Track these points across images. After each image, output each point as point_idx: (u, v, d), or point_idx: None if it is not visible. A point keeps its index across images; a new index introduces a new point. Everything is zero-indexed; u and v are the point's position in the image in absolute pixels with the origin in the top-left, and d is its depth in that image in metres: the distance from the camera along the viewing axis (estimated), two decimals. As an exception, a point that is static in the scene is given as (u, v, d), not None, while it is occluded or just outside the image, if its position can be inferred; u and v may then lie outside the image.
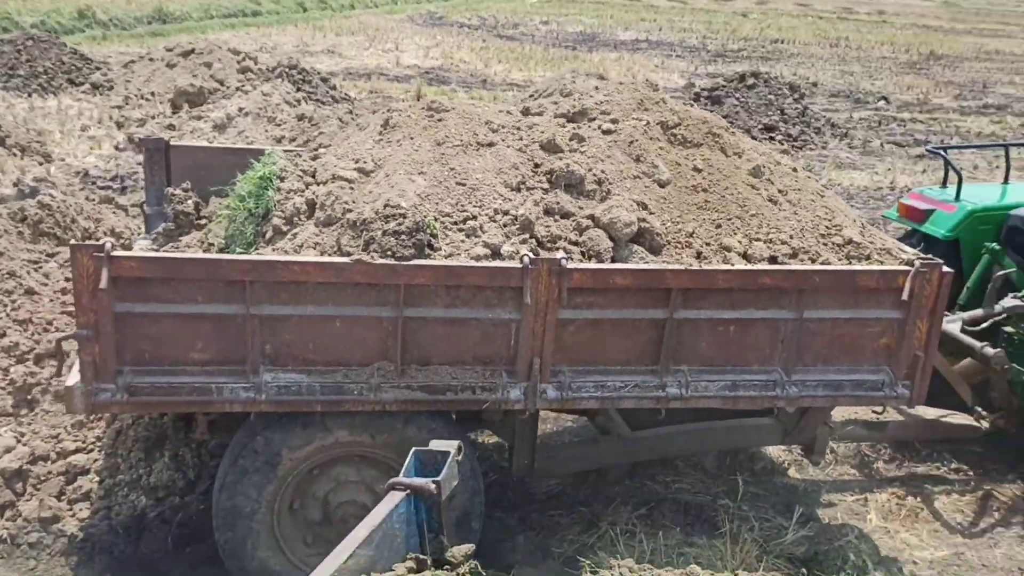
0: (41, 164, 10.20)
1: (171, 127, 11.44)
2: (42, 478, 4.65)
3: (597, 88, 4.81)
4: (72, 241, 6.08)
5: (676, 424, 4.71)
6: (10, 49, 14.94)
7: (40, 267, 5.83)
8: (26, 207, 6.51)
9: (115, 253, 3.49)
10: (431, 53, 23.18)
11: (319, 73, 15.23)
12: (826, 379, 4.19)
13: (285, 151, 4.68)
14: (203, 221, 4.77)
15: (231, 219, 4.37)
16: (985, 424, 5.62)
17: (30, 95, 13.57)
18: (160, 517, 4.50)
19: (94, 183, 9.84)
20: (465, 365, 3.87)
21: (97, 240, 5.39)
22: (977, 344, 5.42)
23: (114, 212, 7.95)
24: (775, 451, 5.69)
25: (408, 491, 2.42)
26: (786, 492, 5.33)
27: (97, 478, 4.68)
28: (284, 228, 4.09)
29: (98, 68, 15.26)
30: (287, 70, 14.43)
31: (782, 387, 4.12)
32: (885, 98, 19.84)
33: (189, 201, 4.80)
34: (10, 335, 5.18)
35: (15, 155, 10.13)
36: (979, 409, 5.64)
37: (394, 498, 2.39)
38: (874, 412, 5.31)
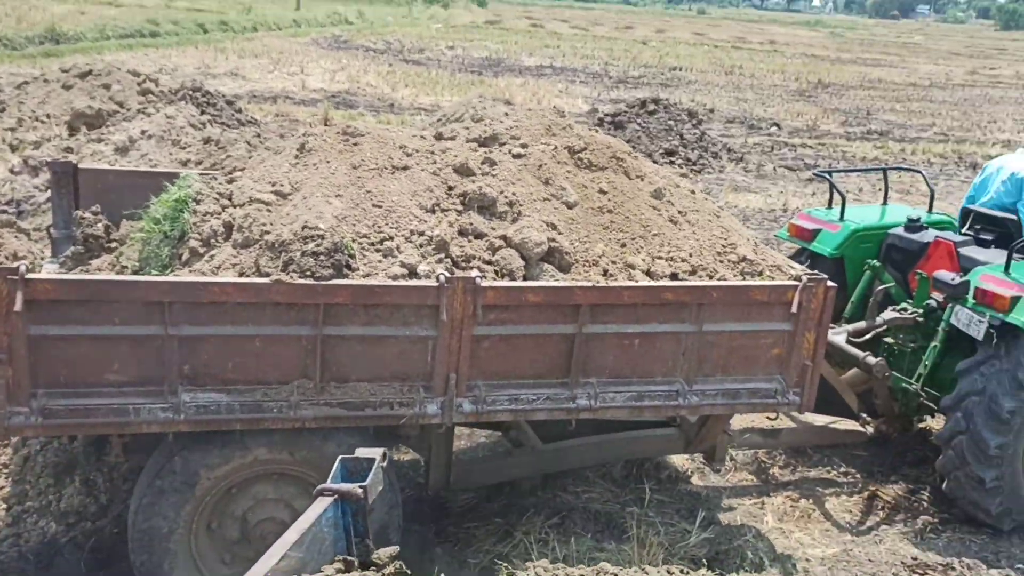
0: (-68, 188, 9.83)
1: (69, 150, 11.12)
2: (-54, 507, 4.55)
3: (507, 114, 5.02)
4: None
5: (585, 436, 4.94)
6: None
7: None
8: (-77, 232, 6.33)
9: (30, 276, 3.49)
10: (337, 77, 23.16)
11: (224, 96, 15.06)
12: (724, 388, 4.46)
13: (200, 174, 4.72)
14: (113, 244, 4.74)
15: (145, 242, 4.38)
16: (870, 429, 6.03)
17: (-85, 117, 13.03)
18: (72, 543, 4.46)
19: (-11, 207, 9.52)
20: (383, 381, 3.98)
21: (1, 264, 5.28)
22: (861, 354, 5.83)
23: (16, 236, 7.75)
24: (679, 460, 5.97)
25: (336, 496, 2.53)
26: (689, 498, 5.60)
27: (4, 505, 4.60)
28: (201, 250, 4.13)
29: (-12, 89, 14.74)
30: (191, 92, 14.19)
31: (684, 396, 4.37)
32: (777, 124, 20.80)
33: (99, 224, 4.76)
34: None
35: (-97, 179, 9.74)
36: (864, 415, 6.05)
37: (322, 503, 2.50)
38: (768, 420, 5.66)
